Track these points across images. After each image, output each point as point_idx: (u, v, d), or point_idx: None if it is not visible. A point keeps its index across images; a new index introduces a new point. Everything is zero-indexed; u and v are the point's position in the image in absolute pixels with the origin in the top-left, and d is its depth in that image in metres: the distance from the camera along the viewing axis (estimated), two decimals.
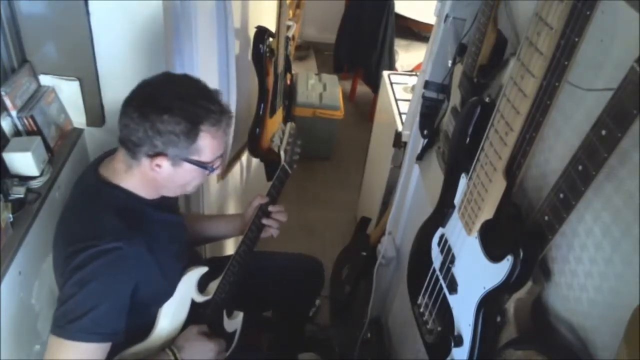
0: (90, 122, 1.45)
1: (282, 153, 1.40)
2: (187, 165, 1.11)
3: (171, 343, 1.22)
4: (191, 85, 1.11)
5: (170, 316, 1.24)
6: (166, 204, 1.24)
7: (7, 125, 1.25)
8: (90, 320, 1.03)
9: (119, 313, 1.09)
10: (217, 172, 1.19)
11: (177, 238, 1.28)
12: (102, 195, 1.13)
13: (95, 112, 1.44)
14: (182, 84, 1.11)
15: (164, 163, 1.08)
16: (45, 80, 1.37)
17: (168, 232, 1.23)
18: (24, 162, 1.22)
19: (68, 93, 1.40)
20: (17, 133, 1.28)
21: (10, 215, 1.13)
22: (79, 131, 1.45)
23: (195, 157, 1.10)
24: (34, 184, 1.23)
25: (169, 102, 1.05)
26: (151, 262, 1.13)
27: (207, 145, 1.10)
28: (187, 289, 1.27)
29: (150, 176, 1.12)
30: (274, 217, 1.41)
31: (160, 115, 1.04)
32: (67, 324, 1.03)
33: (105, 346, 1.08)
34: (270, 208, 1.40)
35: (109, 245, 1.05)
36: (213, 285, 1.35)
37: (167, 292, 1.23)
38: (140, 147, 1.07)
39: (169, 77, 1.13)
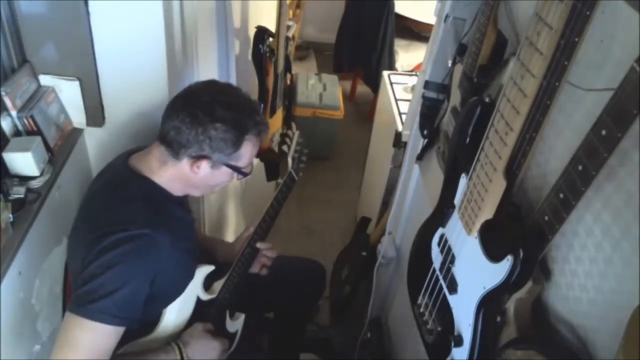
0: (90, 122, 1.45)
1: (289, 160, 1.41)
2: (224, 169, 1.17)
3: (176, 338, 1.23)
4: (238, 95, 1.19)
5: (175, 312, 1.25)
6: (184, 203, 1.28)
7: (7, 125, 1.25)
8: (112, 302, 1.05)
9: (140, 299, 1.11)
10: (248, 177, 1.26)
11: (191, 236, 1.30)
12: (131, 185, 1.17)
13: (95, 112, 1.44)
14: (230, 93, 1.18)
15: (204, 165, 1.14)
16: (45, 80, 1.37)
17: (186, 230, 1.26)
18: (24, 162, 1.22)
19: (68, 93, 1.40)
20: (17, 133, 1.28)
21: (10, 215, 1.13)
22: (79, 131, 1.45)
23: (234, 162, 1.17)
24: (34, 184, 1.23)
25: (221, 111, 1.12)
26: (171, 256, 1.15)
27: (248, 152, 1.17)
28: (194, 286, 1.28)
29: (185, 175, 1.16)
30: (266, 255, 1.44)
31: (213, 122, 1.11)
32: (88, 304, 1.04)
33: (120, 330, 1.09)
34: (259, 245, 1.41)
35: (138, 231, 1.07)
36: (218, 285, 1.36)
37: (178, 290, 1.24)
38: (187, 148, 1.13)
39: (217, 86, 1.20)
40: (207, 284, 1.33)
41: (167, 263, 1.14)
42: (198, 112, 1.11)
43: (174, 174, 1.17)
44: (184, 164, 1.14)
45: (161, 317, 1.23)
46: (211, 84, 1.19)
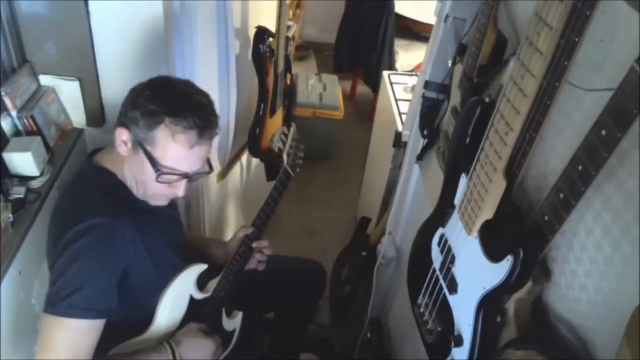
0: (90, 122, 1.46)
1: (284, 156, 1.40)
2: (142, 155, 1.09)
3: (169, 338, 1.23)
4: (195, 93, 1.12)
5: (168, 311, 1.24)
6: None
7: (7, 125, 1.25)
8: (82, 296, 1.04)
9: (111, 289, 1.10)
10: (178, 192, 1.15)
11: (171, 231, 1.29)
12: (93, 178, 1.17)
13: (95, 112, 1.44)
14: (188, 87, 1.13)
15: (129, 143, 1.11)
16: (45, 80, 1.37)
17: (161, 222, 1.24)
18: (24, 162, 1.22)
19: (68, 93, 1.40)
20: (17, 133, 1.28)
21: (10, 215, 1.13)
22: (79, 131, 1.46)
23: (149, 148, 1.08)
24: (34, 184, 1.23)
25: (158, 88, 1.09)
26: (141, 246, 1.14)
27: (165, 142, 1.07)
28: (186, 285, 1.27)
29: (120, 156, 1.14)
30: (261, 252, 1.41)
31: (143, 91, 1.08)
32: (59, 301, 1.03)
33: (99, 323, 1.08)
34: (255, 244, 1.39)
35: (96, 220, 1.06)
36: (212, 284, 1.36)
37: (160, 282, 1.23)
38: (120, 117, 1.11)
39: (185, 81, 1.16)
40: (202, 283, 1.32)
41: (136, 254, 1.13)
42: (143, 84, 1.10)
43: (119, 161, 1.16)
44: (116, 135, 1.11)
45: (154, 316, 1.22)
46: (183, 80, 1.17)
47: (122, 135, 1.10)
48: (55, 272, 1.06)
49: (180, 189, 1.15)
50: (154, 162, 1.09)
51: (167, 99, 1.07)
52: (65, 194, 1.19)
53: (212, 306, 1.35)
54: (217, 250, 1.49)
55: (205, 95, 1.14)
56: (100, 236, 1.06)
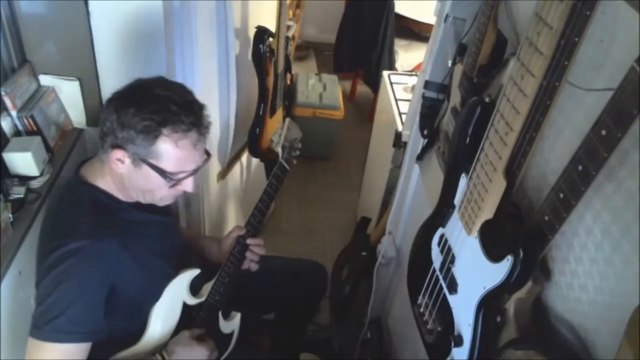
0: (90, 122, 1.46)
1: (279, 150, 1.38)
2: (146, 168, 1.08)
3: (163, 347, 1.22)
4: (176, 92, 1.09)
5: (161, 319, 1.23)
6: (148, 205, 1.21)
7: (7, 125, 1.25)
8: (66, 319, 1.04)
9: (96, 311, 1.09)
10: (187, 188, 1.15)
11: (162, 236, 1.27)
12: (77, 194, 1.15)
13: (95, 112, 1.44)
14: (167, 89, 1.09)
15: (126, 160, 1.08)
16: (45, 80, 1.37)
17: (150, 230, 1.22)
18: (24, 162, 1.22)
19: (68, 93, 1.40)
20: (17, 133, 1.28)
21: (10, 215, 1.13)
22: (79, 131, 1.46)
23: (154, 161, 1.08)
24: (34, 184, 1.23)
25: (141, 100, 1.06)
26: (127, 260, 1.12)
27: (169, 152, 1.07)
28: (178, 292, 1.26)
29: (116, 173, 1.12)
30: (252, 250, 1.39)
31: (127, 108, 1.05)
32: (44, 325, 1.03)
33: (85, 346, 1.08)
34: (249, 241, 1.38)
35: (76, 244, 1.05)
36: (207, 287, 1.34)
37: (153, 291, 1.22)
38: (107, 136, 1.08)
39: (160, 81, 1.12)
40: (196, 287, 1.31)
41: (123, 268, 1.12)
42: (122, 98, 1.07)
43: (112, 176, 1.14)
44: (109, 157, 1.09)
45: (146, 326, 1.21)
46: (155, 79, 1.13)
47: (117, 155, 1.08)
48: (40, 293, 1.06)
49: (188, 186, 1.15)
50: (163, 173, 1.09)
51: (155, 109, 1.04)
52: (52, 210, 1.19)
53: (207, 310, 1.33)
54: (214, 248, 1.48)
55: (184, 89, 1.12)
56: (84, 259, 1.06)
